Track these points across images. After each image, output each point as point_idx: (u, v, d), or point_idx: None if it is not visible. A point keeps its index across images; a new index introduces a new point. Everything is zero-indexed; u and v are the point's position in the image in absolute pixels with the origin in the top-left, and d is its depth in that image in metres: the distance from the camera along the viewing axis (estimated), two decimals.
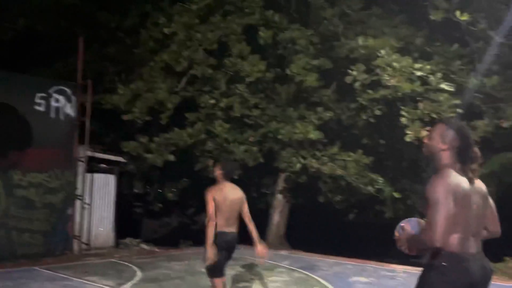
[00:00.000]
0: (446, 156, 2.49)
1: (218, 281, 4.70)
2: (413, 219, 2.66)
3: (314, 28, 10.39)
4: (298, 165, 9.66)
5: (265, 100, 10.03)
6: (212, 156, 9.91)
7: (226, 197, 4.62)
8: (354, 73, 8.71)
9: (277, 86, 10.54)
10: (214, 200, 4.58)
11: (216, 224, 4.56)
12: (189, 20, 9.81)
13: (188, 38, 9.69)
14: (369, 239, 13.29)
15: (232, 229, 4.72)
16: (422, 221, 2.60)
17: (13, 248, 8.91)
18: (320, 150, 10.22)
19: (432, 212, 2.30)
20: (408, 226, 2.58)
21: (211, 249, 4.53)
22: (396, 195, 10.30)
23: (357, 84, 8.77)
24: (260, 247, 4.81)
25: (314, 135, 9.62)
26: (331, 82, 10.86)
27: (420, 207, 2.92)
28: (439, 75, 8.70)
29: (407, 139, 8.80)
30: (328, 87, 10.74)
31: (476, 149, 2.49)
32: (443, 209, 2.29)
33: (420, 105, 8.85)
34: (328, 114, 10.17)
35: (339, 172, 9.99)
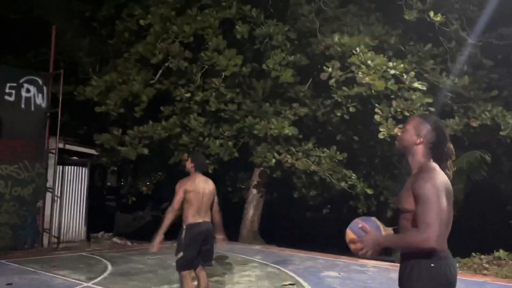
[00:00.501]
0: (420, 151, 2.37)
1: (185, 273, 4.69)
2: (370, 218, 2.41)
3: (291, 24, 10.42)
4: (273, 161, 9.71)
5: (241, 95, 10.02)
6: (187, 150, 9.85)
7: (198, 189, 4.67)
8: (329, 69, 8.78)
9: (254, 81, 10.54)
10: (186, 192, 4.62)
11: (187, 216, 4.62)
12: (165, 12, 9.70)
13: (164, 31, 9.57)
14: (342, 235, 13.50)
15: (206, 219, 4.74)
16: (379, 222, 2.40)
17: None
18: (295, 146, 10.28)
19: (425, 210, 2.15)
20: (367, 226, 2.33)
21: (160, 236, 4.58)
22: (369, 191, 10.46)
23: (332, 81, 8.85)
24: (221, 237, 4.95)
25: (289, 130, 9.67)
26: (307, 78, 10.93)
27: (399, 203, 2.37)
28: (412, 74, 8.85)
29: (380, 136, 8.94)
30: (304, 83, 10.80)
31: (450, 145, 2.40)
32: (437, 207, 2.15)
33: (394, 103, 9.00)
34: (303, 110, 10.23)
35: (313, 167, 10.08)
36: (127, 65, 10.20)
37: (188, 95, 9.61)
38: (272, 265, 8.26)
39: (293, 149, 10.16)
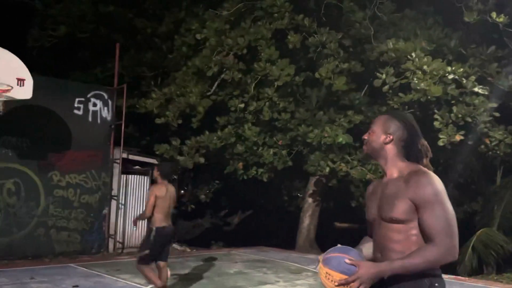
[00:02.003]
0: (392, 151, 2.08)
1: (144, 267, 5.37)
2: (346, 248, 2.00)
3: (345, 31, 10.34)
4: (327, 169, 9.63)
5: (294, 103, 10.07)
6: (242, 159, 10.04)
7: (166, 195, 5.30)
8: (383, 76, 8.61)
9: (307, 90, 10.56)
10: (156, 197, 5.22)
11: (155, 219, 5.25)
12: (220, 26, 10.00)
13: (219, 44, 9.87)
14: None
15: (169, 222, 5.48)
16: (361, 251, 2.06)
17: (52, 246, 9.37)
18: (350, 154, 10.14)
19: (438, 217, 1.86)
20: (355, 259, 1.90)
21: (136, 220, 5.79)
22: None
23: (385, 88, 8.67)
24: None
25: (343, 138, 9.56)
26: (362, 85, 10.77)
27: (385, 213, 1.95)
28: (473, 78, 8.45)
29: (440, 143, 8.61)
30: (359, 90, 10.65)
31: (424, 142, 2.13)
32: (450, 211, 1.89)
33: (454, 108, 8.64)
34: (358, 118, 10.08)
35: (369, 176, 9.88)
36: (185, 78, 10.61)
37: (242, 105, 9.82)
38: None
39: (348, 157, 10.03)
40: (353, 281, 1.85)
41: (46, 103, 9.23)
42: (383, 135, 2.10)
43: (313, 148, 9.77)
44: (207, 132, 9.87)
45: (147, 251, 5.24)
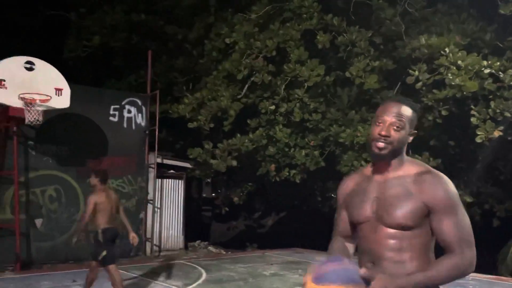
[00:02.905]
0: (405, 148, 1.82)
1: (112, 267, 5.64)
2: (341, 258, 1.67)
3: (376, 29, 10.19)
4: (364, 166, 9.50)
5: (325, 104, 10.00)
6: (274, 160, 10.05)
7: (106, 199, 5.61)
8: (416, 73, 8.43)
9: (338, 90, 10.47)
10: (97, 203, 5.53)
11: (100, 223, 5.56)
12: (249, 29, 10.07)
13: (248, 47, 9.93)
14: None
15: (114, 225, 5.77)
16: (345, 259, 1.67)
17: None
18: None
19: (457, 222, 1.66)
20: (365, 271, 1.61)
21: (79, 231, 5.85)
22: (468, 199, 9.75)
23: (419, 85, 8.48)
24: (132, 235, 5.90)
25: None
26: (395, 83, 10.57)
27: (391, 218, 1.72)
28: (510, 71, 8.15)
29: (478, 140, 8.35)
30: (392, 88, 10.46)
31: None
32: (467, 217, 1.71)
33: (492, 103, 8.36)
34: None
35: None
36: (216, 82, 10.73)
37: (273, 107, 9.84)
38: None
39: None
40: None
41: (83, 111, 9.55)
42: (410, 131, 1.80)
43: (345, 148, 9.67)
44: (238, 135, 9.95)
45: (104, 253, 5.53)
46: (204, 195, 17.27)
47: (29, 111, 7.69)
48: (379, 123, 1.77)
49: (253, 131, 10.08)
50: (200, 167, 10.74)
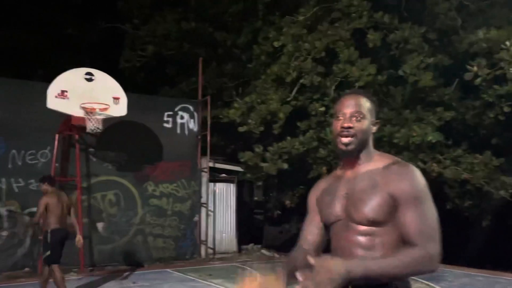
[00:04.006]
0: (371, 141, 1.74)
1: (54, 267, 5.96)
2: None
3: (430, 25, 9.84)
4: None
5: (377, 103, 9.76)
6: (325, 163, 9.93)
7: (57, 202, 5.96)
8: (474, 68, 8.04)
9: (391, 89, 10.18)
10: (48, 204, 5.89)
11: (50, 223, 5.90)
12: (297, 31, 10.03)
13: (296, 49, 9.90)
14: (507, 249, 11.98)
15: (65, 225, 6.11)
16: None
17: (150, 252, 9.99)
18: (442, 153, 9.58)
19: (422, 216, 1.55)
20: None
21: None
22: None
23: (478, 81, 8.08)
24: (78, 237, 6.23)
25: (433, 137, 9.06)
26: (452, 80, 10.14)
27: (359, 213, 1.64)
28: None
29: None
30: (449, 85, 10.05)
31: None
32: (434, 210, 1.59)
33: None
34: (449, 114, 9.50)
35: (465, 176, 9.25)
36: (265, 85, 10.76)
37: (323, 109, 9.72)
38: (422, 280, 7.77)
39: (440, 157, 9.48)
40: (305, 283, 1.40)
41: (138, 119, 9.91)
42: (373, 121, 1.74)
43: (400, 148, 9.38)
44: (289, 138, 9.91)
45: (48, 253, 5.90)
46: (255, 198, 17.36)
47: (89, 120, 8.09)
48: (339, 117, 1.71)
49: (303, 134, 10.02)
50: (251, 171, 10.80)
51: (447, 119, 9.53)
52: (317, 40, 9.64)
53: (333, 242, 1.76)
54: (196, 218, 10.76)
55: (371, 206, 1.61)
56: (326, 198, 1.79)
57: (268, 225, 15.03)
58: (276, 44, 10.40)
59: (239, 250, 11.60)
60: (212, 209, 11.09)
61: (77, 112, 8.13)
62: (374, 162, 1.71)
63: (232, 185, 11.55)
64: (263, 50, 11.51)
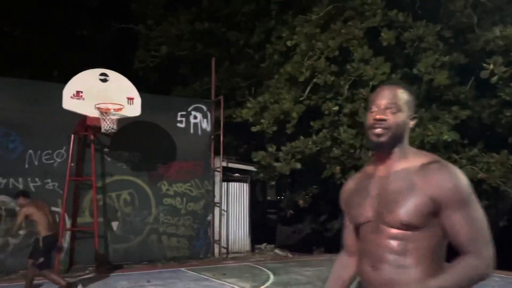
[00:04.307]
0: (407, 135, 1.64)
1: (46, 272, 6.25)
2: None
3: (445, 23, 9.72)
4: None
5: None
6: (339, 162, 9.87)
7: (37, 211, 6.13)
8: (490, 66, 7.92)
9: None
10: (29, 216, 6.11)
11: (40, 231, 6.14)
12: (310, 30, 10.00)
13: (310, 48, 9.87)
14: None
15: (55, 231, 6.38)
16: None
17: (164, 251, 10.05)
18: (457, 153, 9.46)
19: (472, 220, 1.45)
20: None
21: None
22: None
23: (494, 79, 7.96)
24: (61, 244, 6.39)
25: (449, 136, 8.96)
26: (468, 78, 10.01)
27: (393, 216, 1.53)
28: None
29: None
30: (465, 84, 9.91)
31: None
32: (484, 216, 1.49)
33: None
34: (465, 113, 9.37)
35: (481, 175, 9.12)
36: (278, 85, 10.76)
37: (336, 108, 9.68)
38: None
39: (456, 156, 9.36)
40: None
41: (152, 119, 9.98)
42: (410, 115, 1.62)
43: (415, 148, 9.28)
44: (302, 137, 9.89)
45: (42, 259, 6.11)
46: (268, 198, 17.37)
47: (104, 120, 8.17)
48: (373, 109, 1.61)
49: (316, 133, 9.98)
50: (264, 170, 10.80)
51: (462, 118, 9.41)
52: (330, 39, 9.60)
53: (362, 245, 1.66)
54: (209, 218, 10.80)
55: (407, 209, 1.48)
56: (355, 198, 1.69)
57: (281, 224, 15.02)
58: (289, 43, 10.38)
59: (253, 249, 11.61)
60: (225, 209, 11.12)
61: (92, 113, 8.21)
62: (409, 160, 1.58)
63: (245, 184, 11.56)
64: (276, 50, 11.51)
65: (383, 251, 1.53)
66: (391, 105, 1.58)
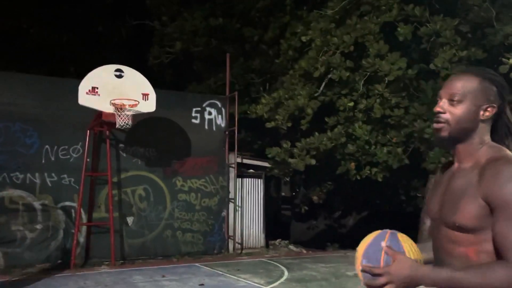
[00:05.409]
0: (484, 129, 1.47)
1: None
2: (394, 233, 1.50)
3: (462, 17, 9.55)
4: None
5: (407, 98, 9.55)
6: (354, 159, 9.80)
7: None
8: (510, 61, 7.76)
9: (422, 83, 9.94)
10: None
11: None
12: (325, 25, 9.92)
13: (325, 44, 9.79)
14: None
15: None
16: (403, 237, 1.48)
17: (179, 247, 10.12)
18: None
19: None
20: (394, 251, 1.42)
21: None
22: None
23: None
24: None
25: None
26: None
27: (449, 217, 1.44)
28: None
29: None
30: None
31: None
32: None
33: None
34: None
35: None
36: (292, 81, 10.71)
37: (352, 104, 9.59)
38: None
39: None
40: (379, 275, 1.36)
41: (167, 115, 10.03)
42: (481, 106, 1.45)
43: (431, 144, 9.16)
44: (316, 133, 9.84)
45: None
46: (283, 194, 17.36)
47: (119, 116, 8.23)
48: (438, 100, 1.50)
49: (331, 129, 9.91)
50: (278, 166, 10.78)
51: None
52: (345, 34, 9.50)
53: (432, 240, 1.59)
54: (224, 213, 10.83)
55: (460, 210, 1.40)
56: (433, 191, 1.62)
57: (295, 220, 15.00)
58: (304, 38, 10.31)
59: (267, 245, 11.62)
60: (239, 205, 11.14)
61: (107, 108, 8.28)
62: (479, 156, 1.45)
63: (259, 180, 11.56)
64: (290, 45, 11.45)
65: (441, 251, 1.49)
66: (453, 96, 1.46)
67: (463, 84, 1.46)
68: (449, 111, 1.46)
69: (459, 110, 1.45)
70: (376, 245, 1.45)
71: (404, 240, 1.47)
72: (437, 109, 1.48)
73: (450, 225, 1.43)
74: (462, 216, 1.39)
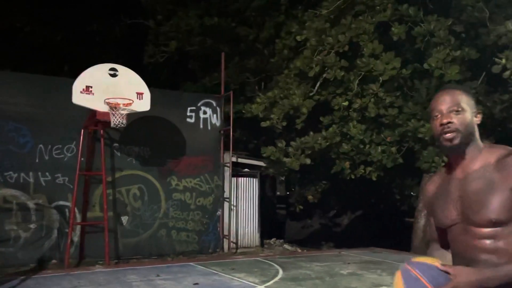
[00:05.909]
0: (478, 133, 1.67)
1: None
2: (420, 263, 1.54)
3: (456, 17, 9.61)
4: (442, 165, 9.01)
5: (401, 98, 9.61)
6: (348, 158, 9.84)
7: None
8: (502, 61, 7.82)
9: (416, 83, 10.01)
10: None
11: None
12: (320, 25, 9.95)
13: (320, 43, 9.82)
14: None
15: None
16: (435, 261, 1.54)
17: (173, 246, 10.11)
18: None
19: None
20: (424, 278, 1.48)
21: None
22: None
23: (506, 74, 7.86)
24: None
25: None
26: (479, 73, 9.89)
27: (493, 212, 1.52)
28: None
29: None
30: (475, 79, 9.80)
31: None
32: None
33: None
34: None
35: None
36: (287, 80, 10.74)
37: (346, 103, 9.64)
38: None
39: None
40: None
41: (162, 114, 10.01)
42: (474, 113, 1.65)
43: (425, 143, 9.22)
44: (311, 133, 9.87)
45: None
46: (278, 193, 17.40)
47: (114, 115, 8.21)
48: (437, 115, 1.65)
49: (326, 128, 9.95)
50: (273, 166, 10.81)
51: None
52: (340, 34, 9.54)
53: (453, 247, 1.68)
54: (219, 213, 10.84)
55: (492, 207, 1.51)
56: (438, 202, 1.72)
57: (290, 219, 15.05)
58: (299, 38, 10.34)
59: (262, 244, 11.63)
60: (234, 204, 11.14)
61: (102, 107, 8.25)
62: (483, 157, 1.62)
63: (254, 179, 11.57)
64: (285, 45, 11.48)
65: (474, 252, 1.56)
66: (454, 107, 1.62)
67: (460, 97, 1.64)
68: (455, 120, 1.61)
69: (465, 118, 1.62)
70: (426, 265, 1.51)
71: (425, 258, 1.56)
72: (446, 119, 1.61)
73: (483, 223, 1.53)
74: (494, 211, 1.50)
